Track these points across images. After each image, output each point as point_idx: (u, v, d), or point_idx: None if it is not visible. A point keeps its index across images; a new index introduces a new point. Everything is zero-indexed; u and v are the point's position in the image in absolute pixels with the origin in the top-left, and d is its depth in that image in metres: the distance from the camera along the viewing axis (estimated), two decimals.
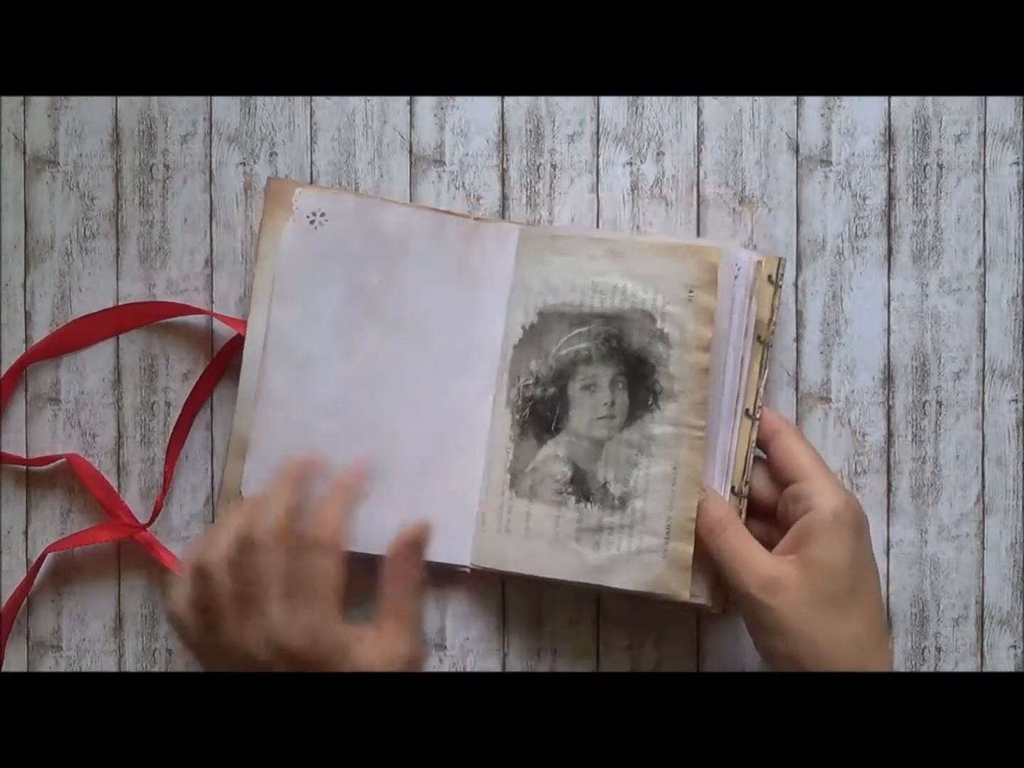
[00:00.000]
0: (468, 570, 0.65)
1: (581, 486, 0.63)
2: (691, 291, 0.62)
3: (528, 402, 0.64)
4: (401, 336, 0.65)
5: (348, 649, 0.56)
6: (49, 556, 0.66)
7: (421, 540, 0.59)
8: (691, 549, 0.61)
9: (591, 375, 0.63)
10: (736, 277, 0.62)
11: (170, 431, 0.67)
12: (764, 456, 0.64)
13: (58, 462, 0.67)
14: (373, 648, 0.57)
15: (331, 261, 0.64)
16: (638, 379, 0.62)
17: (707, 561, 0.62)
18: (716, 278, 0.61)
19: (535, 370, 0.64)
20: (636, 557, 0.62)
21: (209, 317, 0.67)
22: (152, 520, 0.66)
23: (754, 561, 0.60)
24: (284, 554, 0.55)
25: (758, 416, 0.63)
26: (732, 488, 0.63)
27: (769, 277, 0.63)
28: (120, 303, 0.67)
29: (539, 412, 0.64)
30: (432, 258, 0.65)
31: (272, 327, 0.64)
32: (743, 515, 0.63)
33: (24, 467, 0.67)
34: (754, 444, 0.63)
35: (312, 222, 0.64)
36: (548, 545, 0.63)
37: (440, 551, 0.63)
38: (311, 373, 0.64)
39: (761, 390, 0.63)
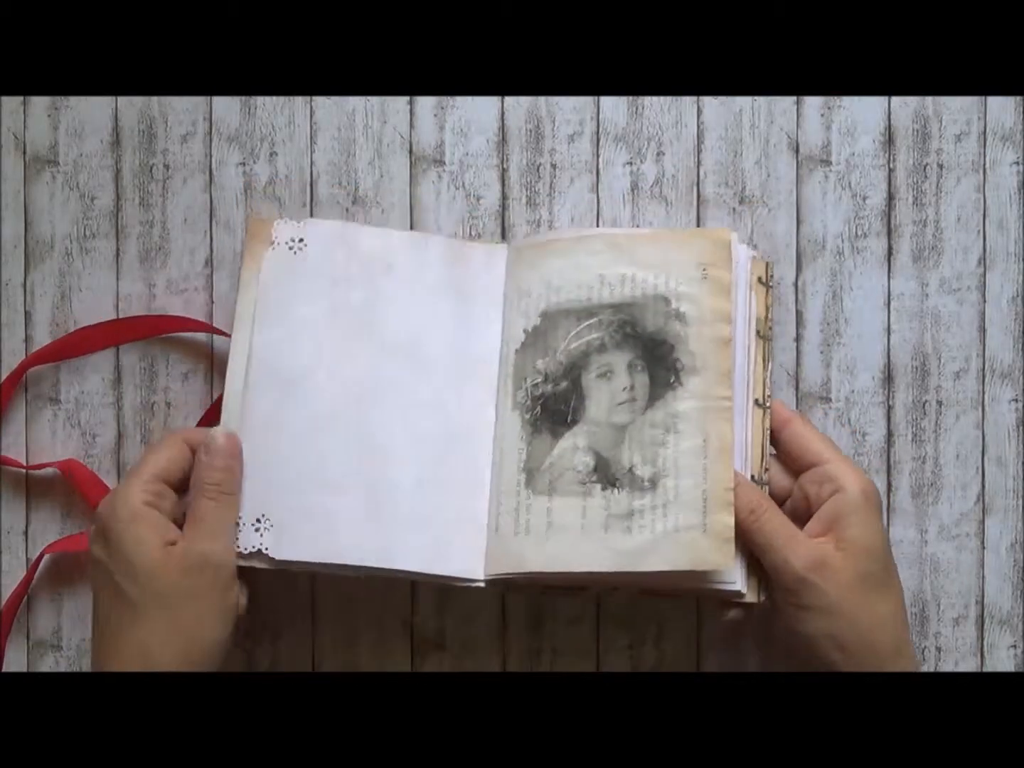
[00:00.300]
0: (482, 584, 0.62)
1: (605, 473, 0.62)
2: (704, 269, 0.62)
3: (538, 400, 0.63)
4: (389, 354, 0.64)
5: (138, 523, 0.59)
6: (49, 556, 0.66)
7: (216, 447, 0.61)
8: (732, 520, 0.59)
9: (605, 363, 0.63)
10: (735, 271, 0.62)
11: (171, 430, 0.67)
12: (772, 448, 0.64)
13: (61, 462, 0.67)
14: (175, 557, 0.59)
15: (311, 283, 0.64)
16: (656, 360, 0.62)
17: (739, 548, 0.60)
18: (729, 254, 0.61)
19: (543, 368, 0.63)
20: (673, 536, 0.60)
21: (209, 317, 0.67)
22: None
23: (798, 542, 0.59)
24: None
25: (768, 405, 0.63)
26: (752, 477, 0.62)
27: (759, 279, 0.64)
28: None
29: (551, 407, 0.63)
30: (417, 275, 0.64)
31: (255, 351, 0.63)
32: None
33: (24, 468, 0.67)
34: (768, 432, 0.63)
35: (291, 248, 0.64)
36: (574, 538, 0.61)
37: (452, 567, 0.62)
38: (296, 394, 0.63)
39: (768, 380, 0.63)
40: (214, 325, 0.67)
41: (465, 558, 0.62)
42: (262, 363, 0.63)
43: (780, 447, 0.63)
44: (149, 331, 0.67)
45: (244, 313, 0.63)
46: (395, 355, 0.64)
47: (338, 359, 0.63)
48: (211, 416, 0.66)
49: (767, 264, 0.64)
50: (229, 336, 0.64)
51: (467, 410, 0.64)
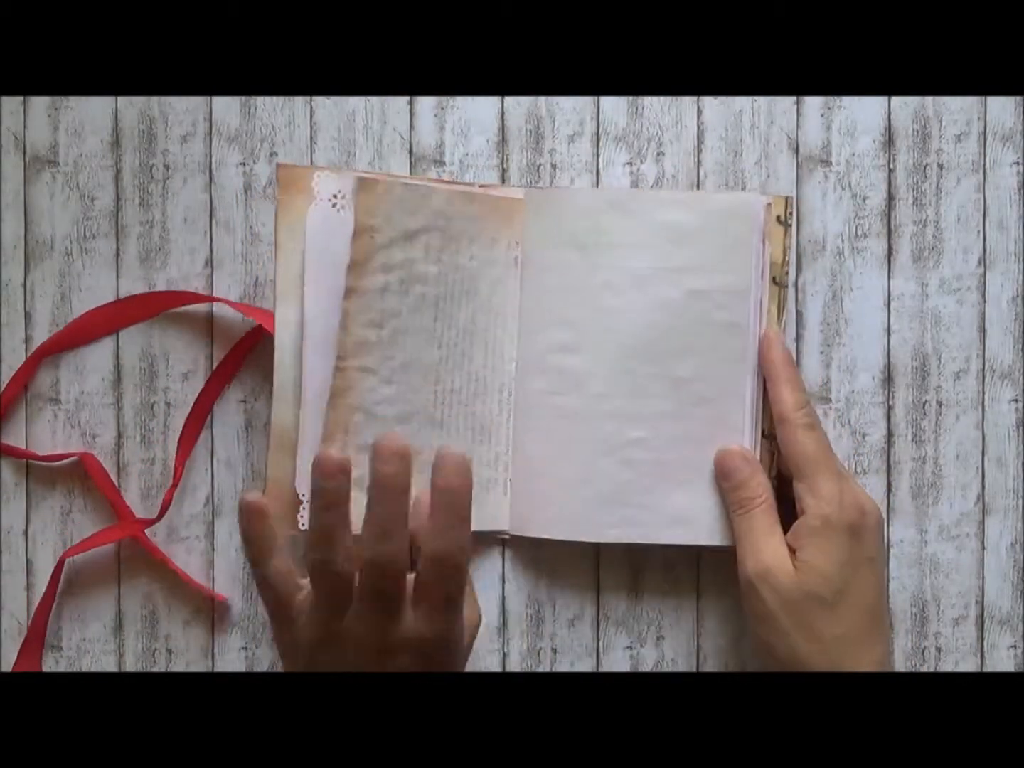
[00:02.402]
0: (507, 536, 0.66)
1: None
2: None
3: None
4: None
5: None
6: (49, 557, 0.66)
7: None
8: None
9: None
10: (747, 223, 0.63)
11: (170, 435, 0.67)
12: None
13: (70, 459, 0.67)
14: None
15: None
16: None
17: None
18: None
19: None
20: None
21: (209, 317, 0.67)
22: (161, 516, 0.66)
23: (761, 546, 0.61)
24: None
25: None
26: (763, 432, 0.64)
27: (778, 217, 0.64)
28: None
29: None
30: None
31: (308, 318, 0.63)
32: (775, 455, 0.64)
33: (24, 468, 0.67)
34: None
35: (334, 205, 0.63)
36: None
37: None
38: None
39: (782, 331, 0.64)
40: (214, 325, 0.67)
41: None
42: (316, 334, 0.63)
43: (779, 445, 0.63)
44: (160, 306, 0.67)
45: (287, 277, 0.63)
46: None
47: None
48: (237, 356, 0.67)
49: (786, 200, 0.64)
50: (251, 311, 0.65)
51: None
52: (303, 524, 0.63)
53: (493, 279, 0.65)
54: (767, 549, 0.61)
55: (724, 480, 0.63)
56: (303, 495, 0.63)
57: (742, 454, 0.63)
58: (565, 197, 0.65)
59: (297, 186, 0.63)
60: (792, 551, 0.61)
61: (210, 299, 0.66)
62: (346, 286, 0.62)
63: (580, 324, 0.64)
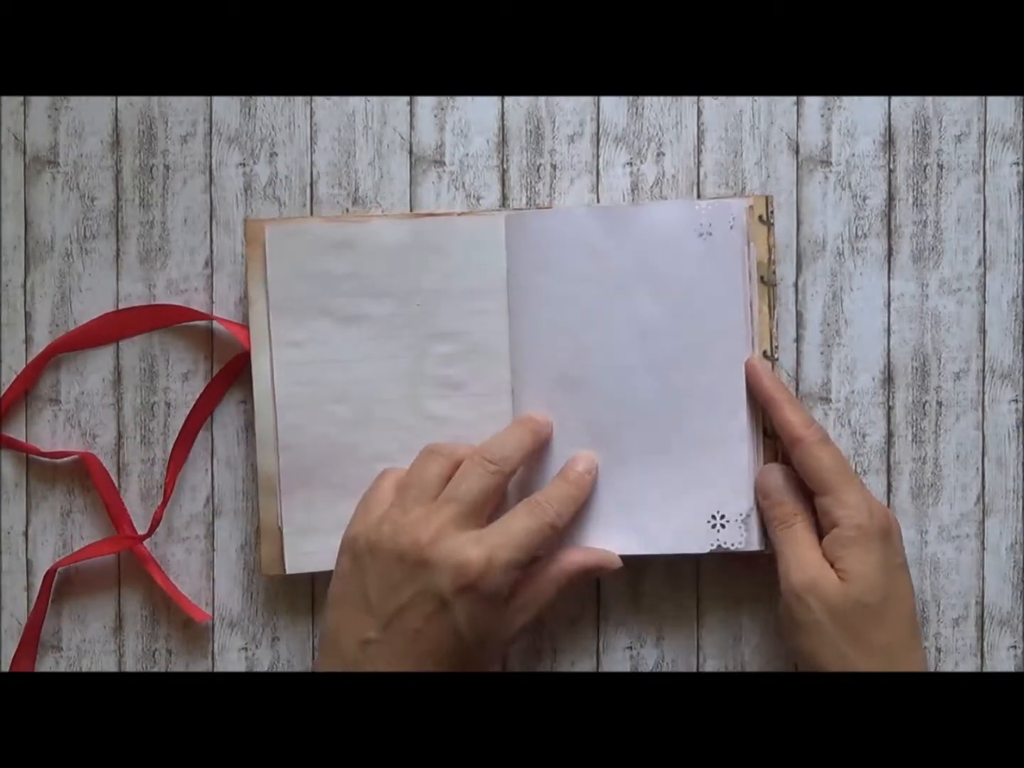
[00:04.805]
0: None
1: None
2: None
3: None
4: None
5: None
6: (48, 558, 0.66)
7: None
8: None
9: None
10: (731, 227, 0.63)
11: (170, 435, 0.67)
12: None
13: (71, 459, 0.67)
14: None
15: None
16: None
17: None
18: None
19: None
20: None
21: (209, 320, 0.67)
22: (151, 532, 0.66)
23: (805, 559, 0.61)
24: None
25: (776, 357, 0.65)
26: (765, 431, 0.64)
27: (760, 217, 0.64)
28: (120, 304, 0.67)
29: None
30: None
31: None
32: (778, 454, 0.64)
33: (25, 468, 0.67)
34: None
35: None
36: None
37: None
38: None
39: (775, 330, 0.64)
40: (214, 325, 0.67)
41: None
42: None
43: (794, 464, 0.63)
44: (177, 318, 0.67)
45: (259, 331, 0.65)
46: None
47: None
48: (224, 379, 0.67)
49: (767, 199, 0.65)
50: (235, 328, 0.65)
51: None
52: (289, 570, 0.65)
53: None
54: (812, 561, 0.60)
55: (764, 497, 0.63)
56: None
57: (783, 471, 0.63)
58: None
59: (259, 240, 0.64)
60: (830, 564, 0.61)
61: (209, 317, 0.67)
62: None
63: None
